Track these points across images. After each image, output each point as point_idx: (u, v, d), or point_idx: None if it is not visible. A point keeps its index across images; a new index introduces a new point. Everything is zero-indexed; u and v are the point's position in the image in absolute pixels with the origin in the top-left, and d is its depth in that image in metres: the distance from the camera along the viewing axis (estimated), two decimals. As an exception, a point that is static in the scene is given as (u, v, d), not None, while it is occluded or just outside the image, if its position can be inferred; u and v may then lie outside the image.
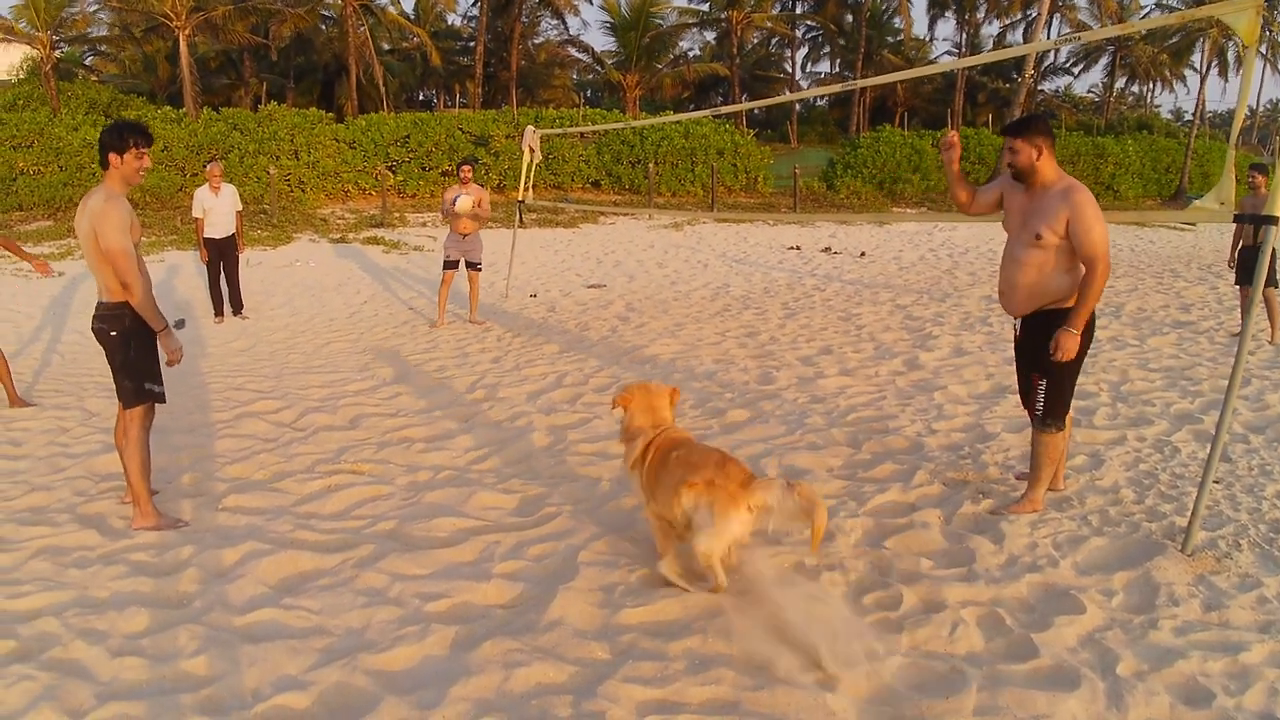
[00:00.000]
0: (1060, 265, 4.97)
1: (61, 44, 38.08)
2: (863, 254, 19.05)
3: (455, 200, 11.82)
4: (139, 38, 41.09)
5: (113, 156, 5.45)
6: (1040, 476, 5.36)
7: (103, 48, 46.04)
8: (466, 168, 12.32)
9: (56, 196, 27.30)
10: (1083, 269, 4.92)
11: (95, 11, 39.39)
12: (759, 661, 3.91)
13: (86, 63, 47.09)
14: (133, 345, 5.52)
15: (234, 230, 13.56)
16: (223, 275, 13.61)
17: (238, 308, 13.71)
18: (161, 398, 5.71)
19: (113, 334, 5.48)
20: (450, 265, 12.27)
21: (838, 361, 9.49)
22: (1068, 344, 4.89)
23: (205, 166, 13.90)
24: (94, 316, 5.57)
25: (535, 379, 9.22)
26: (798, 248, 20.24)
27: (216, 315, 13.51)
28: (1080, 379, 8.20)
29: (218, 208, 13.38)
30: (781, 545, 4.96)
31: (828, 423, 7.25)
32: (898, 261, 17.89)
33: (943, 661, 3.91)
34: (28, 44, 35.79)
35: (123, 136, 5.46)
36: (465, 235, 12.18)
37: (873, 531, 5.21)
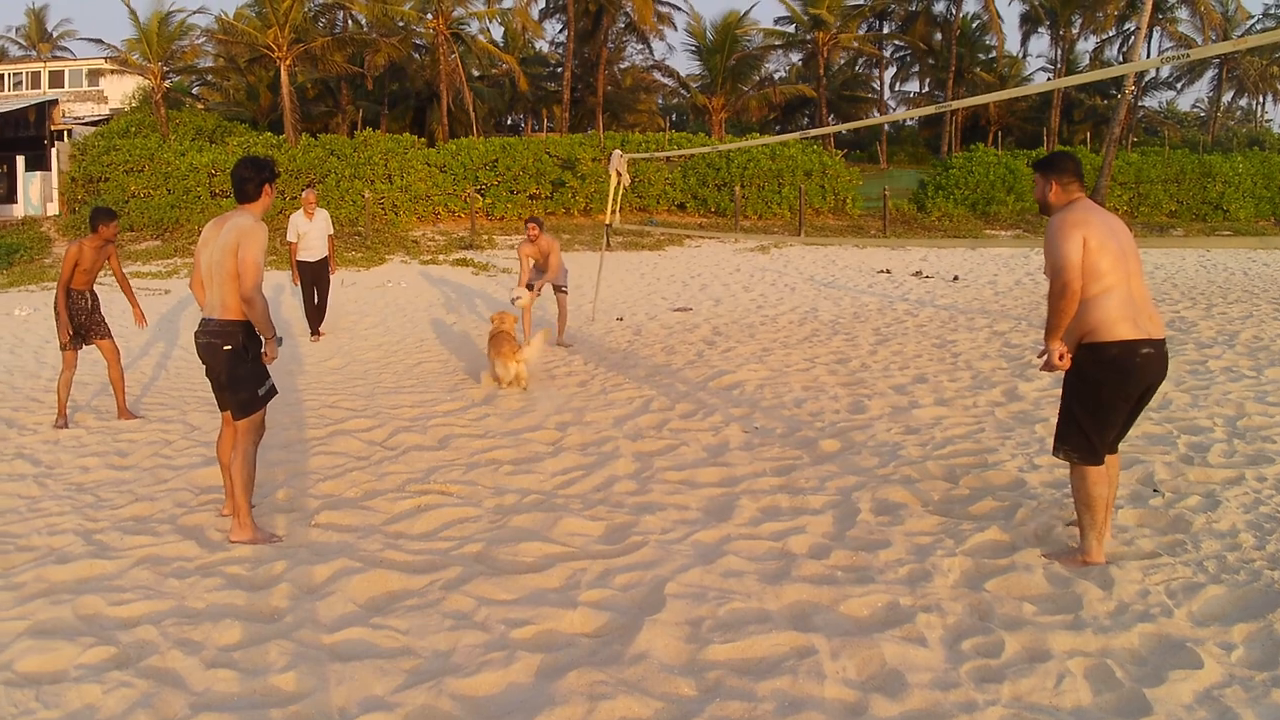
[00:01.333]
0: None
1: (171, 74, 39.23)
2: (956, 278, 18.72)
3: (515, 300, 11.86)
4: (243, 68, 42.22)
5: (266, 187, 5.78)
6: (1083, 523, 5.05)
7: (209, 78, 47.37)
8: (533, 226, 12.36)
9: (165, 218, 28.17)
10: (1100, 300, 4.79)
11: (203, 44, 40.55)
12: (852, 706, 3.79)
13: (194, 92, 48.49)
14: (248, 357, 5.67)
15: (326, 254, 13.76)
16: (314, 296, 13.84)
17: (317, 327, 13.97)
18: (273, 392, 5.84)
19: (226, 348, 5.60)
20: (530, 289, 12.33)
21: (933, 390, 9.23)
22: (1047, 352, 4.93)
23: (303, 192, 14.16)
24: (202, 332, 5.69)
25: (621, 404, 9.17)
26: (888, 271, 19.98)
27: (312, 335, 13.79)
28: (1192, 412, 7.99)
29: (311, 232, 13.64)
30: (874, 584, 4.83)
31: (923, 455, 7.05)
32: (993, 286, 17.55)
33: (1048, 715, 3.68)
34: (140, 74, 37.09)
35: (273, 171, 5.85)
36: (544, 268, 12.26)
37: (971, 572, 4.99)
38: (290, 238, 13.71)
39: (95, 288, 9.34)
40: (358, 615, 4.69)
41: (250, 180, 5.73)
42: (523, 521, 5.93)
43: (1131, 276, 4.85)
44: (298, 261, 13.69)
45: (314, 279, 13.81)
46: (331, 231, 14.05)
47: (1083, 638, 4.25)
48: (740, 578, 4.94)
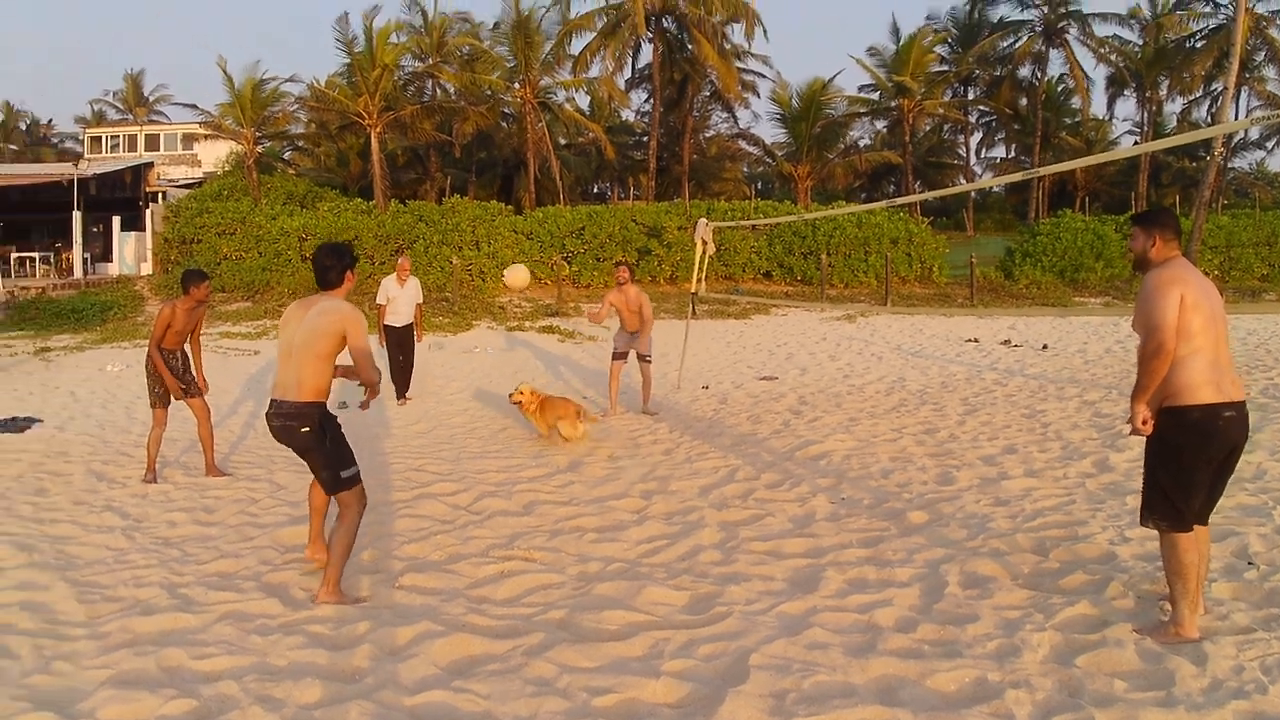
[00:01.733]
0: None
1: (263, 140, 40.33)
2: (1045, 346, 18.48)
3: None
4: (334, 135, 43.28)
5: (348, 274, 6.06)
6: (1175, 594, 4.91)
7: (300, 143, 48.66)
8: (623, 270, 12.52)
9: (256, 280, 28.90)
10: (1187, 361, 4.73)
11: (295, 111, 41.64)
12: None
13: (285, 157, 49.86)
14: (327, 437, 5.77)
15: (413, 320, 14.02)
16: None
17: (404, 391, 14.20)
18: (357, 479, 5.88)
19: (304, 430, 5.71)
20: (619, 356, 12.46)
21: (1022, 461, 9.10)
22: (1131, 414, 4.86)
23: (395, 258, 14.48)
24: (276, 415, 5.81)
25: (707, 472, 9.16)
26: (976, 340, 19.78)
27: (399, 398, 14.00)
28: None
29: (401, 297, 13.91)
30: (962, 659, 4.76)
31: (1012, 527, 6.94)
32: (1083, 354, 17.28)
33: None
34: (233, 139, 38.15)
35: (353, 257, 6.16)
36: (634, 332, 12.33)
37: (1061, 647, 4.89)
38: (380, 300, 14.00)
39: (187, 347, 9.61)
40: (439, 678, 4.74)
41: (332, 268, 5.97)
42: (606, 589, 5.94)
43: (1219, 340, 4.79)
44: (385, 325, 13.95)
45: (400, 343, 14.06)
46: (421, 299, 14.32)
47: (1175, 715, 4.15)
48: (825, 650, 4.90)
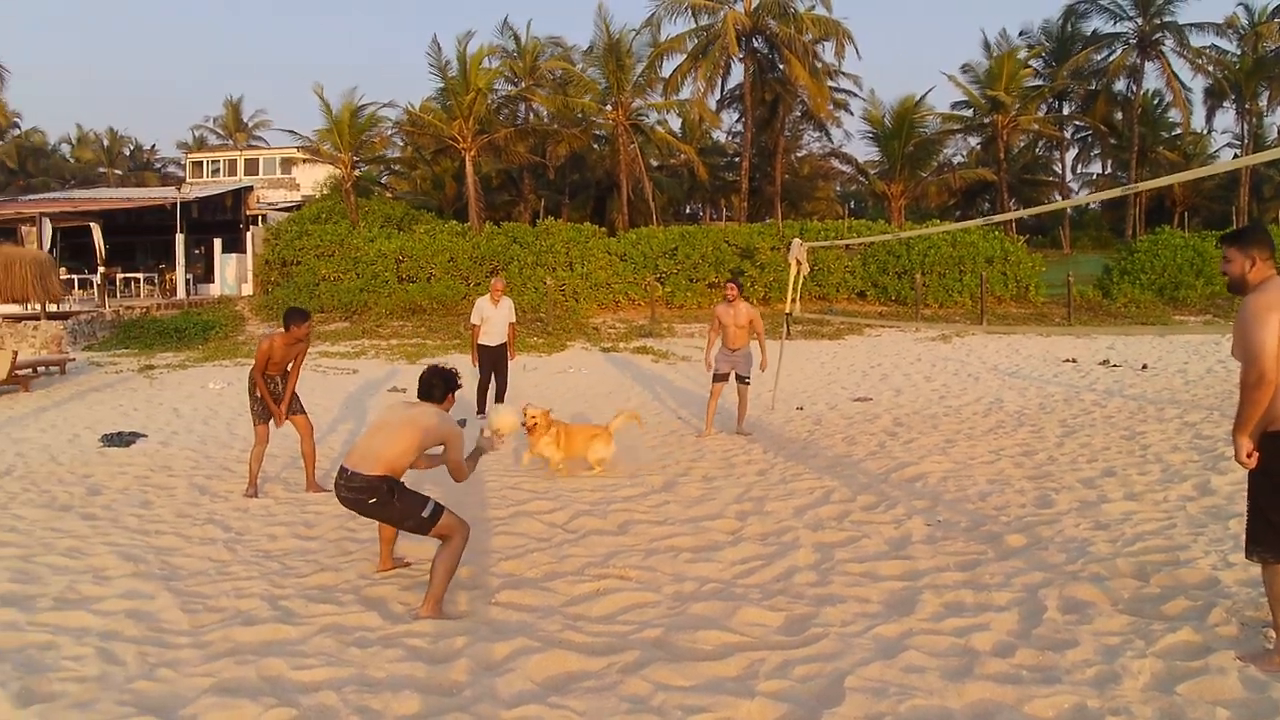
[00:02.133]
0: None
1: (360, 164, 41.09)
2: (1144, 366, 18.12)
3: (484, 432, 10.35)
4: (429, 159, 43.99)
5: (450, 396, 6.51)
6: (1277, 621, 4.83)
7: (396, 167, 49.62)
8: (732, 287, 12.51)
9: (354, 301, 29.45)
10: None
11: (391, 135, 42.37)
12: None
13: (382, 180, 50.75)
14: (396, 499, 5.97)
15: (506, 339, 14.28)
16: (494, 380, 14.36)
17: None
18: (439, 510, 6.03)
19: (371, 501, 5.94)
20: (720, 378, 12.45)
21: (1122, 484, 8.94)
22: (1235, 447, 4.74)
23: (489, 279, 14.75)
24: (345, 485, 6.02)
25: (802, 493, 9.13)
26: (1074, 360, 19.46)
27: (480, 414, 14.15)
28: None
29: (494, 318, 14.20)
30: (1060, 685, 4.71)
31: (1112, 552, 6.82)
32: (1183, 374, 16.91)
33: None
34: (331, 163, 38.89)
35: (458, 384, 6.58)
36: (735, 350, 12.32)
37: (1162, 675, 4.80)
38: (474, 320, 14.34)
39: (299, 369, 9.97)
40: (535, 693, 4.79)
41: (438, 388, 6.43)
42: (701, 609, 5.95)
43: None
44: (479, 345, 14.25)
45: (493, 362, 14.33)
46: (514, 319, 14.57)
47: (1280, 746, 4.05)
48: (922, 674, 4.87)
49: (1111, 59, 51.42)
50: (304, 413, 9.88)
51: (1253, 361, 4.58)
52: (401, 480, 6.06)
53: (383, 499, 5.91)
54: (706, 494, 9.23)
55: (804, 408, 14.84)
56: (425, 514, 5.93)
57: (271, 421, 9.64)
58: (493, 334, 14.28)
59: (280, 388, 9.73)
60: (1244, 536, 4.91)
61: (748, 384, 12.59)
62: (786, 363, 17.59)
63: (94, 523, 8.44)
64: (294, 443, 10.04)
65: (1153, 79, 51.66)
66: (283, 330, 9.58)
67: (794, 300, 14.40)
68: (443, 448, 6.23)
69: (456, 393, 6.57)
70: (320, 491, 9.60)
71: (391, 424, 6.18)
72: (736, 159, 53.87)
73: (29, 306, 24.83)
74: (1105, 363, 18.95)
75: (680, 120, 52.10)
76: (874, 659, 5.07)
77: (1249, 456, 4.69)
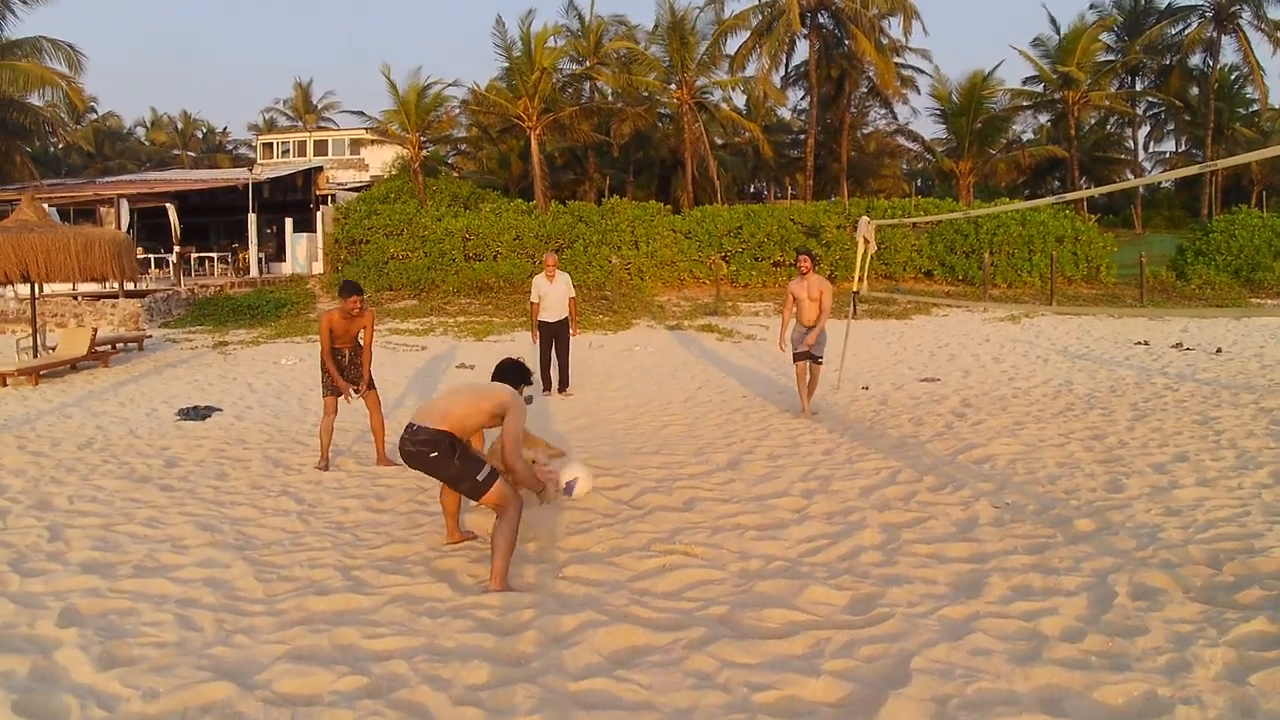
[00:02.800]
0: None
1: (428, 144, 41.35)
2: (1219, 350, 17.79)
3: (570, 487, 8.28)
4: (495, 137, 44.22)
5: (521, 386, 6.71)
6: None
7: (463, 147, 49.86)
8: (805, 259, 12.54)
9: (422, 279, 29.73)
10: None
11: (457, 115, 42.62)
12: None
13: (449, 160, 51.05)
14: (455, 454, 6.05)
15: (566, 314, 14.41)
16: (555, 355, 14.52)
17: (564, 385, 14.60)
18: (495, 475, 6.11)
19: (432, 455, 6.01)
20: (801, 357, 12.33)
21: (1194, 470, 8.78)
22: None
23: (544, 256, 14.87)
24: (410, 439, 6.09)
25: (868, 474, 9.10)
26: (1146, 343, 19.15)
27: (545, 390, 14.43)
28: None
29: (551, 294, 14.33)
30: (1130, 672, 4.68)
31: (1184, 539, 6.72)
32: (1259, 359, 16.57)
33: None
34: (399, 144, 39.21)
35: (529, 380, 6.82)
36: (810, 327, 12.21)
37: (1234, 665, 4.73)
38: (533, 298, 14.50)
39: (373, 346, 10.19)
40: (602, 666, 4.86)
41: (511, 375, 6.72)
42: (767, 587, 5.98)
43: None
44: (539, 321, 14.41)
45: (553, 338, 14.47)
46: (573, 294, 14.68)
47: (1355, 739, 3.99)
48: (989, 656, 4.86)
49: (1186, 33, 50.22)
50: (374, 388, 10.03)
51: None
52: (465, 441, 6.18)
53: (443, 453, 5.99)
54: (772, 472, 9.23)
55: (870, 387, 14.77)
56: (480, 477, 6.01)
57: (342, 396, 9.79)
58: (551, 310, 14.40)
59: (345, 360, 9.90)
60: None
61: (821, 363, 12.44)
62: (853, 342, 17.51)
63: (171, 494, 8.66)
64: (364, 416, 10.20)
65: (1229, 53, 50.43)
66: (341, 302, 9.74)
67: (861, 279, 14.31)
68: (504, 420, 6.25)
69: (527, 388, 6.73)
70: (390, 465, 9.73)
71: (462, 389, 6.36)
72: (802, 136, 53.61)
73: (108, 285, 25.37)
74: (1178, 346, 18.64)
75: (745, 98, 51.90)
76: (940, 640, 5.06)
77: None
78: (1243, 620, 5.21)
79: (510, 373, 6.67)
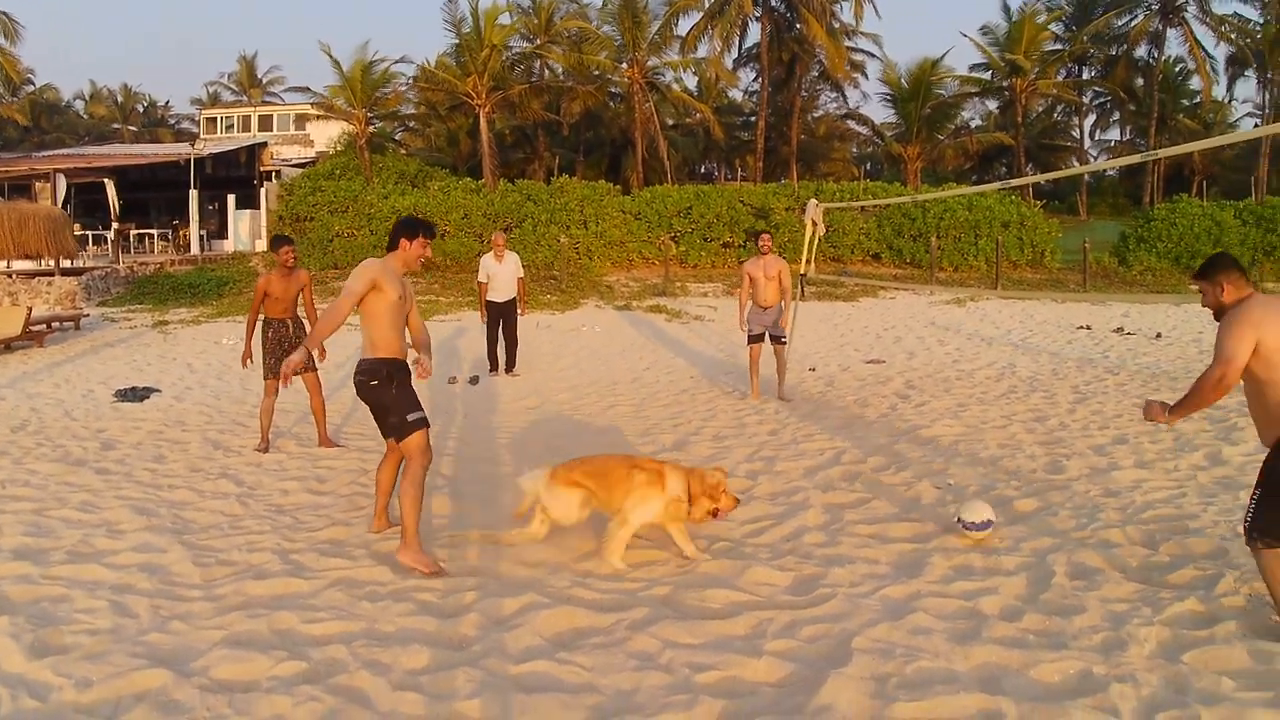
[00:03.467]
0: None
1: (374, 120, 40.97)
2: (1159, 335, 18.03)
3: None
4: (443, 115, 43.85)
5: (403, 240, 6.37)
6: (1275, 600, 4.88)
7: (411, 124, 49.37)
8: (766, 237, 12.45)
9: (368, 257, 29.24)
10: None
11: (405, 91, 42.20)
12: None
13: (396, 137, 50.54)
14: (394, 386, 6.04)
15: (515, 295, 14.33)
16: (502, 335, 14.43)
17: (510, 365, 14.54)
18: (422, 423, 6.13)
19: (373, 383, 6.04)
20: (755, 339, 12.26)
21: (1133, 452, 8.91)
22: (1149, 412, 5.18)
23: (494, 236, 14.79)
24: (356, 372, 6.15)
25: (812, 454, 9.14)
26: (1088, 327, 19.38)
27: (491, 370, 14.46)
28: None
29: (500, 274, 14.24)
30: (1067, 650, 4.72)
31: (1122, 519, 6.81)
32: (1198, 344, 16.81)
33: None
34: (345, 120, 38.78)
35: (414, 227, 6.42)
36: (766, 308, 12.15)
37: (1168, 643, 4.81)
38: (481, 278, 14.40)
39: (302, 316, 9.92)
40: (544, 649, 4.84)
41: (391, 233, 6.50)
42: (710, 568, 6.00)
43: None
44: (487, 301, 14.32)
45: (501, 318, 14.39)
46: (521, 274, 14.61)
47: (1285, 716, 4.06)
48: (929, 636, 4.90)
49: (1133, 24, 50.81)
50: (314, 369, 9.65)
51: (1221, 362, 4.80)
52: (408, 372, 6.23)
53: (382, 382, 6.05)
54: (718, 453, 9.25)
55: (816, 369, 14.84)
56: (410, 418, 6.05)
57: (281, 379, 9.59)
58: (499, 290, 14.31)
59: (290, 332, 9.67)
60: (1246, 522, 4.90)
61: (784, 343, 12.28)
62: (800, 324, 17.52)
63: (107, 477, 8.50)
64: (306, 398, 10.04)
65: (1174, 45, 51.15)
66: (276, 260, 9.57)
67: (809, 261, 14.33)
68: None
69: (420, 240, 6.43)
70: (333, 447, 9.62)
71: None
72: (752, 119, 53.62)
73: (43, 263, 24.91)
74: (1119, 330, 18.88)
75: (696, 79, 51.85)
76: (881, 620, 5.09)
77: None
78: (1177, 600, 5.28)
79: (400, 232, 6.46)
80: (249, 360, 9.74)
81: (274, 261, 9.84)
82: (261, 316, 9.74)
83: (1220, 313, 5.07)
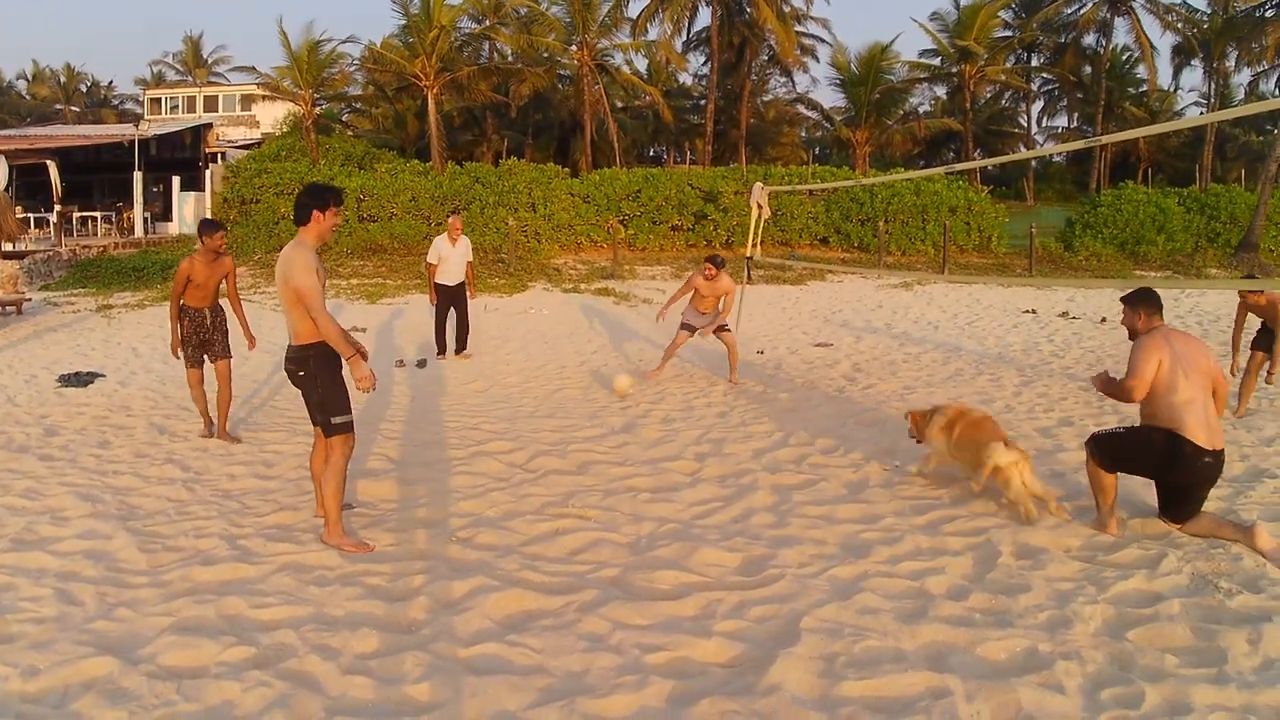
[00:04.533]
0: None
1: (321, 101, 40.55)
2: (1103, 320, 18.24)
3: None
4: (391, 96, 43.41)
5: (316, 213, 6.01)
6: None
7: (358, 105, 48.91)
8: (710, 267, 11.91)
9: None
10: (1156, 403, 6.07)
11: (352, 72, 41.80)
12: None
13: (343, 118, 50.04)
14: (319, 382, 5.94)
15: (464, 278, 14.29)
16: (452, 318, 14.47)
17: (462, 347, 14.56)
18: (347, 428, 6.06)
19: (300, 374, 5.96)
20: (687, 328, 12.17)
21: (1078, 434, 8.99)
22: (1099, 379, 6.56)
23: (448, 218, 14.69)
24: (285, 359, 6.07)
25: (760, 436, 9.17)
26: (1034, 311, 19.58)
27: (439, 354, 14.46)
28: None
29: (452, 257, 14.15)
30: (1013, 628, 4.77)
31: (1067, 499, 6.90)
32: (1140, 328, 17.01)
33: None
34: (291, 100, 38.34)
35: (325, 197, 6.05)
36: (704, 313, 12.12)
37: (1113, 621, 4.88)
38: (431, 259, 14.25)
39: (223, 305, 9.39)
40: (494, 631, 4.83)
41: (302, 206, 6.03)
42: (659, 550, 5.99)
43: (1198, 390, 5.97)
44: (436, 284, 14.23)
45: (451, 301, 14.34)
46: (471, 258, 14.54)
47: (1226, 693, 4.15)
48: (876, 615, 4.93)
49: (1082, 12, 51.42)
50: (227, 358, 9.26)
51: (1130, 376, 6.07)
52: (337, 362, 6.00)
53: (310, 374, 5.95)
54: (666, 436, 9.25)
55: (764, 352, 14.87)
56: (335, 421, 5.99)
57: (205, 363, 9.17)
58: (450, 273, 14.23)
59: (209, 320, 9.13)
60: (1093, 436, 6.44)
61: (729, 330, 12.18)
62: (748, 307, 17.60)
63: (51, 463, 8.33)
64: (251, 381, 9.87)
65: (1122, 34, 51.76)
66: (200, 246, 8.95)
67: (756, 245, 14.36)
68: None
69: (332, 210, 6.08)
70: (233, 441, 9.16)
71: (280, 294, 5.90)
72: (702, 102, 53.69)
73: (-16, 245, 24.41)
74: (1065, 315, 19.10)
75: (646, 61, 51.78)
76: (829, 600, 5.12)
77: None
78: (1121, 578, 5.36)
79: (300, 205, 6.06)
80: (179, 350, 9.14)
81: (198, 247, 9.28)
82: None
83: (1133, 335, 6.30)
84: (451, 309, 14.40)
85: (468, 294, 14.49)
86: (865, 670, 4.36)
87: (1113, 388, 6.28)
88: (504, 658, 4.54)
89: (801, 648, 4.55)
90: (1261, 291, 9.83)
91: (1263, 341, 10.21)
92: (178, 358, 9.20)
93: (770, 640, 4.71)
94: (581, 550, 6.03)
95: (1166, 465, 5.98)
